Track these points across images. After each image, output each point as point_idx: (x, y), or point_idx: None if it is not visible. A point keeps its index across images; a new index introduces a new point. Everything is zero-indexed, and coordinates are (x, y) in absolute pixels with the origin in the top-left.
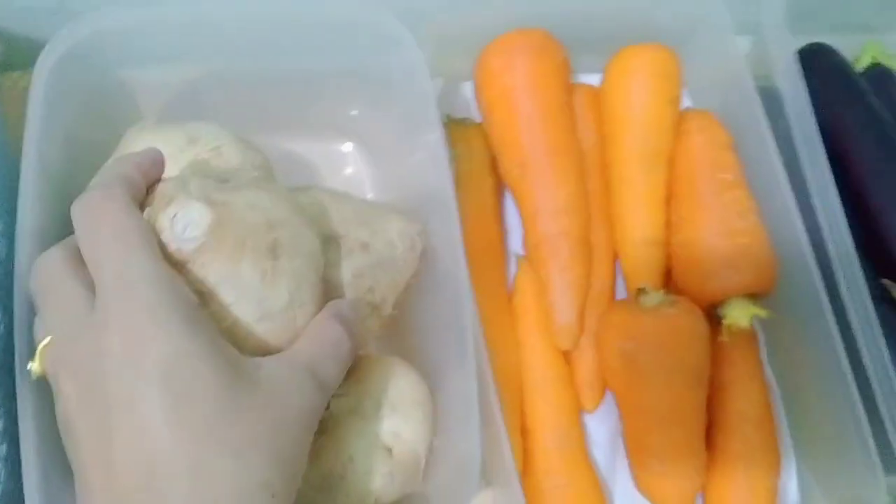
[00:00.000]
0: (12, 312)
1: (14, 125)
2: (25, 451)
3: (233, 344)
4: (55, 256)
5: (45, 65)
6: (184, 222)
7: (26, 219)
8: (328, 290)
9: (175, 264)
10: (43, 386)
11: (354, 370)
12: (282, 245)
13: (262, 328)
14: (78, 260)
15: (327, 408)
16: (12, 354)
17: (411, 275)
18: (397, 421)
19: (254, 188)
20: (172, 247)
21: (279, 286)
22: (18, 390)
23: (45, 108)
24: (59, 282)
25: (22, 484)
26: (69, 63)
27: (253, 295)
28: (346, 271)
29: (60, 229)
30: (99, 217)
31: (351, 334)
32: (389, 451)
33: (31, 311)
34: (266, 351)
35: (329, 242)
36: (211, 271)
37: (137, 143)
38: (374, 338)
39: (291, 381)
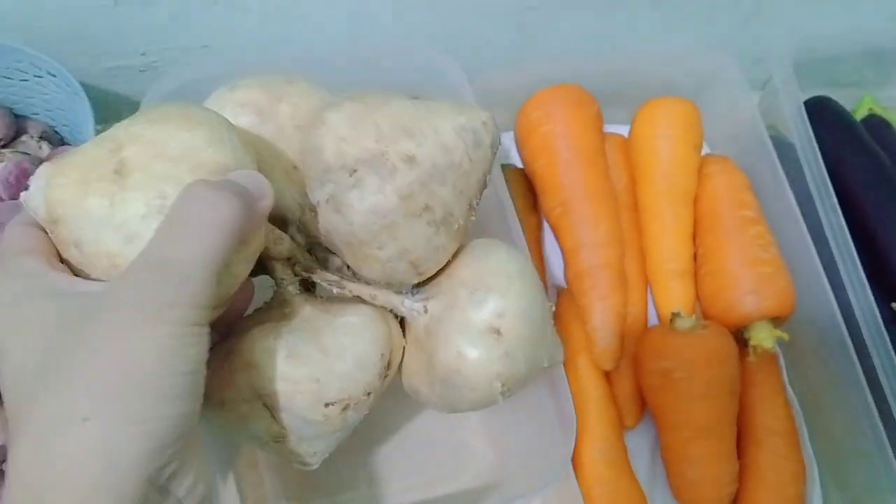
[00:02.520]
0: None
1: None
2: None
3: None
4: None
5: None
6: (32, 189)
7: None
8: (378, 221)
9: (47, 227)
10: None
11: (448, 266)
12: (131, 161)
13: (132, 249)
14: None
15: (425, 311)
16: None
17: (484, 172)
18: (496, 300)
19: (113, 129)
20: (35, 214)
21: (131, 202)
22: None
23: None
24: None
25: None
26: None
27: (108, 222)
28: (391, 195)
29: None
30: None
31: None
32: (497, 331)
33: None
34: None
35: (369, 164)
36: (69, 218)
37: None
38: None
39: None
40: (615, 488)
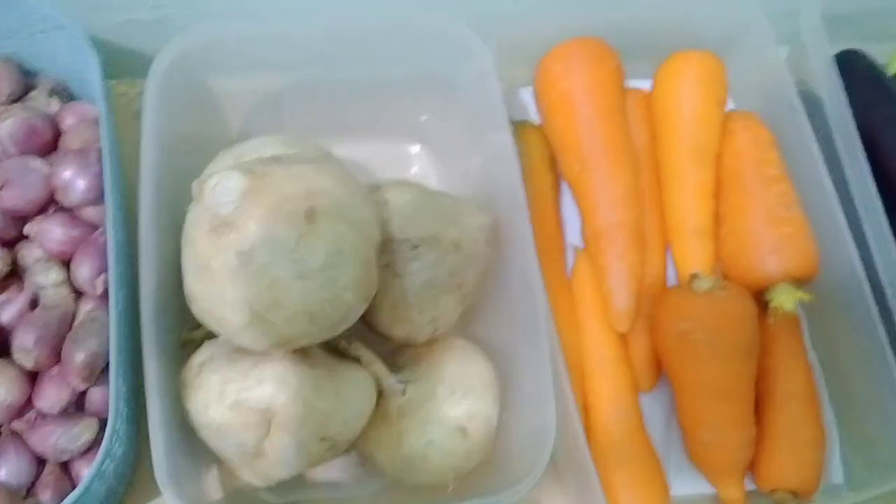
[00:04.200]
0: (136, 293)
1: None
2: (152, 419)
3: (271, 302)
4: None
5: (157, 72)
6: (222, 188)
7: (147, 203)
8: (429, 290)
9: (217, 229)
10: (166, 362)
11: (428, 356)
12: (322, 211)
13: (300, 286)
14: None
15: (404, 393)
16: (135, 330)
17: (486, 264)
18: (470, 404)
19: (299, 163)
20: (212, 211)
21: (316, 247)
22: (147, 366)
23: (156, 111)
24: None
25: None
26: (174, 72)
27: (288, 255)
28: (443, 271)
29: (172, 213)
30: None
31: None
32: (465, 431)
33: (156, 288)
34: (305, 308)
35: (429, 243)
36: (249, 233)
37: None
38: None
39: None
40: (629, 453)
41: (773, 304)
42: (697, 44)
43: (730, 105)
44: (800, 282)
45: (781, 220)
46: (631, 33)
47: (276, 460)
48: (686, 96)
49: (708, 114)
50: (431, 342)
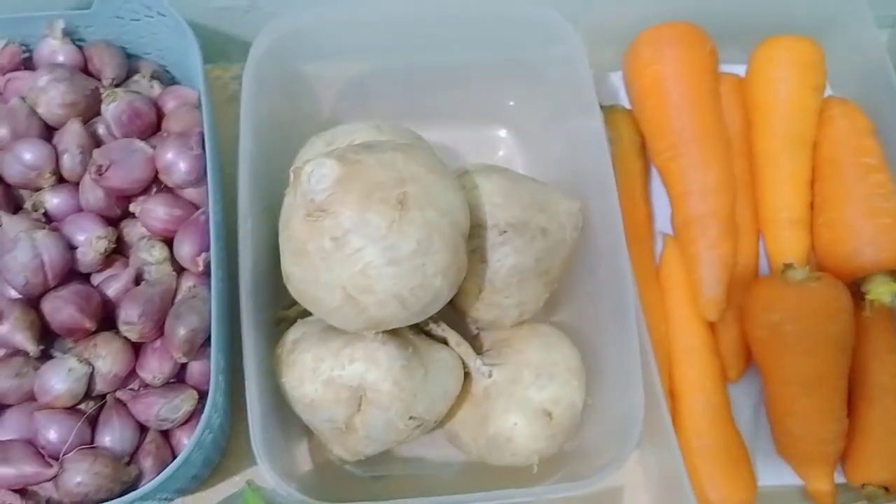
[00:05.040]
0: (234, 272)
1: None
2: (250, 393)
3: (363, 286)
4: None
5: (253, 59)
6: (317, 176)
7: (245, 185)
8: (516, 276)
9: (312, 214)
10: (261, 338)
11: (513, 340)
12: (412, 198)
13: (391, 272)
14: None
15: (490, 376)
16: (232, 307)
17: (573, 250)
18: (555, 389)
19: (390, 150)
20: (307, 197)
21: (406, 234)
22: (245, 340)
23: (253, 97)
24: None
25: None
26: (269, 58)
27: (380, 241)
28: (529, 256)
29: (268, 195)
30: None
31: None
32: (549, 415)
33: (253, 268)
34: (396, 293)
35: (517, 228)
36: (343, 219)
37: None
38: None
39: None
40: (715, 442)
41: (869, 297)
42: (793, 28)
43: (827, 91)
44: None
45: (879, 211)
46: (724, 17)
47: (365, 436)
48: (781, 82)
49: (804, 101)
50: (518, 326)
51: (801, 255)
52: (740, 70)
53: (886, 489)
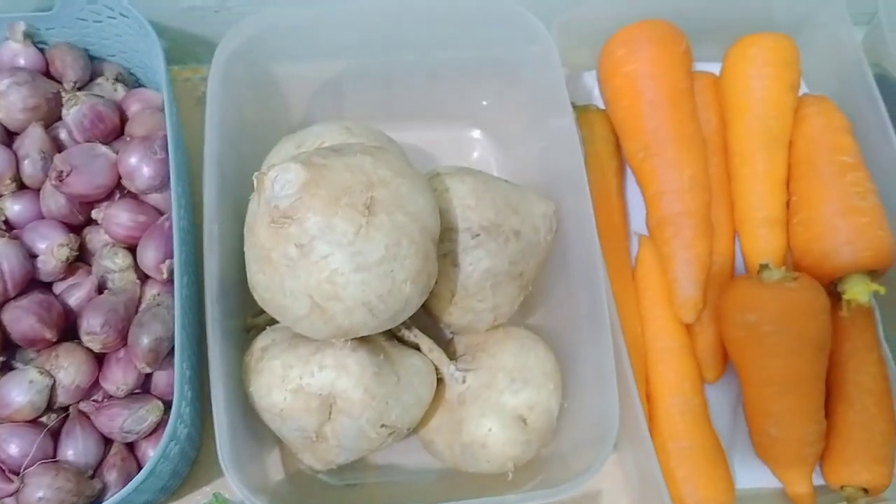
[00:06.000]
0: (200, 279)
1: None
2: (216, 403)
3: (330, 294)
4: None
5: (220, 60)
6: (281, 182)
7: (211, 190)
8: (490, 279)
9: (277, 221)
10: (229, 346)
11: (488, 344)
12: (380, 202)
13: (358, 279)
14: None
15: (464, 381)
16: (198, 315)
17: (547, 253)
18: (530, 393)
19: (359, 153)
20: (272, 204)
21: (374, 240)
22: (210, 348)
23: (220, 98)
24: None
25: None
26: (237, 59)
27: (347, 247)
28: (503, 260)
29: (235, 199)
30: None
31: None
32: (524, 420)
33: (219, 274)
34: (364, 300)
35: (490, 231)
36: (309, 225)
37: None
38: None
39: None
40: (693, 444)
41: (846, 297)
42: (769, 25)
43: (802, 89)
44: (874, 273)
45: (856, 210)
46: (699, 15)
47: (336, 445)
48: (756, 80)
49: (779, 98)
50: (492, 330)
51: (778, 254)
52: (716, 68)
53: (866, 490)
